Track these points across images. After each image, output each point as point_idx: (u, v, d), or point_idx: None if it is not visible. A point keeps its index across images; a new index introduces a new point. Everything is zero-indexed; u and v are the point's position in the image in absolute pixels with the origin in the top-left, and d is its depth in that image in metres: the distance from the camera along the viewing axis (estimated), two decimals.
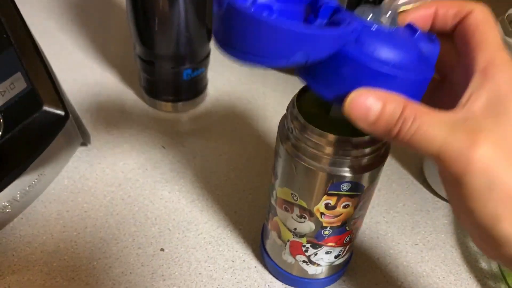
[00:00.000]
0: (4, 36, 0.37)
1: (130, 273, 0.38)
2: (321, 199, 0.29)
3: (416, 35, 0.25)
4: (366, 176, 0.29)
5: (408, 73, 0.23)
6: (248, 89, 0.57)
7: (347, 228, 0.32)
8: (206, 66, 0.51)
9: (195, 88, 0.52)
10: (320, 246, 0.33)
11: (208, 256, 0.40)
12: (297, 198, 0.31)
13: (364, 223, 0.43)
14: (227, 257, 0.40)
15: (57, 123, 0.41)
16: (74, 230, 0.41)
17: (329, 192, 0.29)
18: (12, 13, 0.37)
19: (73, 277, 0.38)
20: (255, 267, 0.39)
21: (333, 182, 0.28)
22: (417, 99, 0.25)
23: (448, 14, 0.26)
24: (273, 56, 0.21)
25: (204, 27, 0.47)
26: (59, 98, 0.41)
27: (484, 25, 0.25)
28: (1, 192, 0.37)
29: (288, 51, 0.21)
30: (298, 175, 0.29)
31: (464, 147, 0.21)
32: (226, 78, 0.58)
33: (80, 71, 0.56)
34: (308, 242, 0.33)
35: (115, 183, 0.45)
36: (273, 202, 0.34)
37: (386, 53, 0.23)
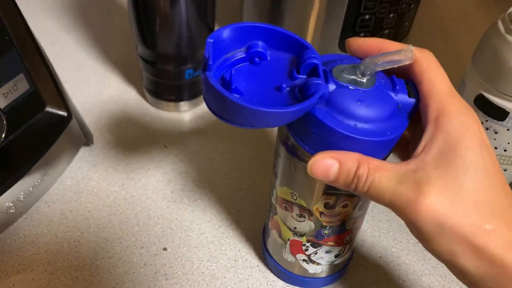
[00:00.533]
0: (6, 37, 0.37)
1: (133, 272, 0.39)
2: (320, 199, 0.30)
3: (396, 88, 0.26)
4: None
5: (373, 136, 0.24)
6: None
7: (346, 227, 0.32)
8: None
9: (197, 87, 0.52)
10: (320, 245, 0.33)
11: (210, 255, 0.40)
12: (296, 197, 0.31)
13: (365, 221, 0.43)
14: (230, 256, 0.40)
15: (60, 123, 0.42)
16: (77, 230, 0.41)
17: (328, 191, 0.29)
18: (13, 14, 0.37)
19: (77, 277, 0.38)
20: (257, 266, 0.40)
21: None
22: (383, 153, 0.26)
23: None
24: (242, 123, 0.24)
25: (206, 27, 0.47)
26: (61, 99, 0.41)
27: (429, 72, 0.25)
28: (5, 193, 0.38)
29: (252, 122, 0.24)
30: (298, 175, 0.29)
31: (411, 198, 0.23)
32: None
33: (82, 71, 0.57)
34: (308, 241, 0.33)
35: (118, 183, 0.45)
36: (273, 201, 0.34)
37: (353, 116, 0.24)
